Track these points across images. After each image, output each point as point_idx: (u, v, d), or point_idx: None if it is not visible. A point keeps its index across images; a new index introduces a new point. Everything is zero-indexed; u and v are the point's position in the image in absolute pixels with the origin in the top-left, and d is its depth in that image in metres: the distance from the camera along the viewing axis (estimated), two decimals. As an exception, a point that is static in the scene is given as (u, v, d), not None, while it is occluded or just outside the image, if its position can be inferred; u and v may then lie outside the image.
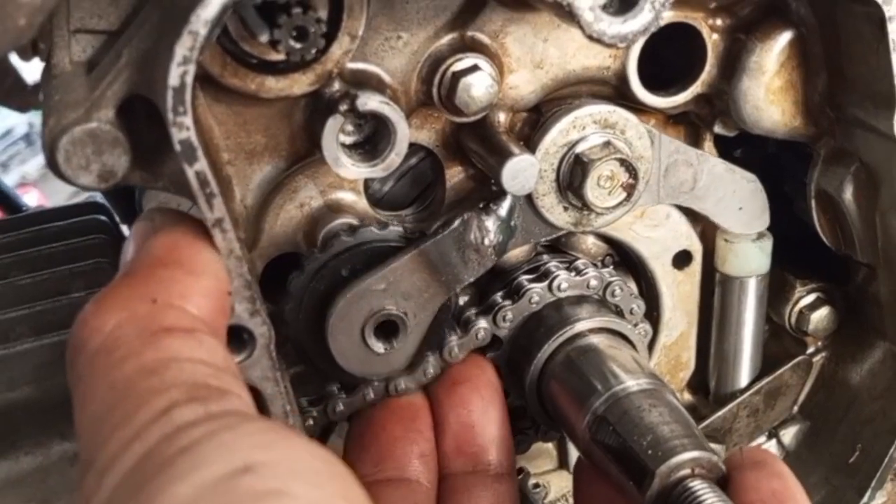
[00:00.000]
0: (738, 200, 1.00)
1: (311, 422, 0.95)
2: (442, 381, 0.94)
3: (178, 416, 0.54)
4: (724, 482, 0.80)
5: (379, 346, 0.88)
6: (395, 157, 0.80)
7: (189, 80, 0.65)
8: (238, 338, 0.74)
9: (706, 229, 1.04)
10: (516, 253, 0.99)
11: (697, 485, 0.78)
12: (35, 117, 3.81)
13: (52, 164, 0.70)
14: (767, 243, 1.02)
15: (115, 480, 0.52)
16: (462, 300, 0.99)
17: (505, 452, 0.93)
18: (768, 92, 0.90)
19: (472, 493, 0.91)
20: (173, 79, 0.65)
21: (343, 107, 0.77)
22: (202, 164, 0.67)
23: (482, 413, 0.92)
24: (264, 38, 0.70)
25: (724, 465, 0.81)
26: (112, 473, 0.52)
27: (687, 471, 0.79)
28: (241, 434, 0.52)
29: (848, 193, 0.94)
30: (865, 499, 1.02)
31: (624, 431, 0.83)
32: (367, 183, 0.94)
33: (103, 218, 1.13)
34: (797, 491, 0.81)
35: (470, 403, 0.93)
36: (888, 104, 0.84)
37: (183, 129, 0.66)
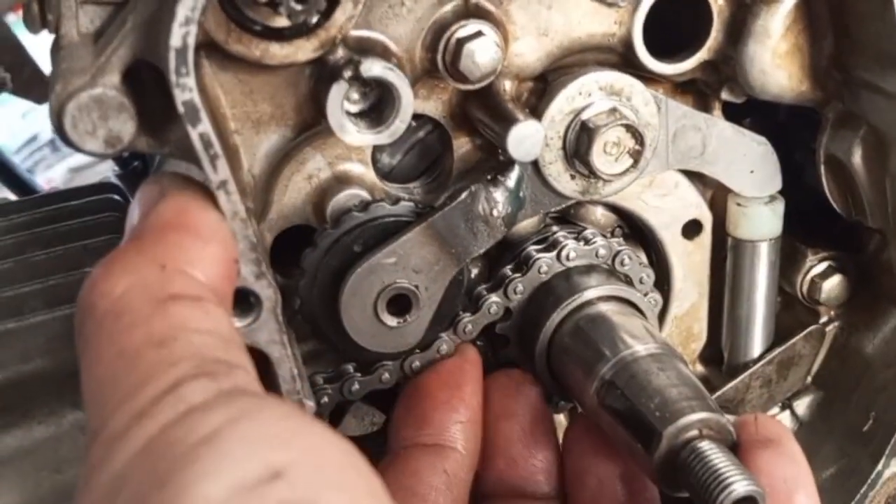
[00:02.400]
0: (750, 163, 0.99)
1: (325, 399, 0.95)
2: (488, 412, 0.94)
3: (189, 394, 0.54)
4: (734, 447, 0.80)
5: (392, 321, 0.89)
6: (400, 123, 0.81)
7: (191, 40, 0.66)
8: (244, 301, 0.75)
9: (716, 198, 1.04)
10: (525, 225, 0.99)
11: (706, 445, 0.78)
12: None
13: (59, 130, 0.71)
14: (779, 206, 1.02)
15: (126, 455, 0.52)
16: (473, 273, 0.99)
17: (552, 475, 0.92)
18: (775, 56, 0.90)
19: None
20: (175, 39, 0.65)
21: (347, 73, 0.78)
22: (205, 126, 0.68)
23: (526, 445, 0.92)
24: (264, -1, 0.71)
25: (733, 430, 0.81)
26: (123, 448, 0.52)
27: (695, 432, 0.79)
28: (262, 424, 0.52)
29: (857, 157, 0.93)
30: (880, 466, 1.01)
31: (632, 395, 0.83)
32: (376, 156, 0.94)
33: (117, 197, 1.14)
34: (807, 478, 0.81)
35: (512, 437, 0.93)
36: (894, 63, 0.83)
37: (186, 91, 0.67)
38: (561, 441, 0.92)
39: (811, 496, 0.80)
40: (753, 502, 0.74)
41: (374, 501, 0.51)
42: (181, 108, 0.67)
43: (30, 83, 1.74)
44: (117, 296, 0.61)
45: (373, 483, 0.52)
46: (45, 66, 1.36)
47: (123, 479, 0.51)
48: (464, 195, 0.88)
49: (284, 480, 0.48)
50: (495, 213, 0.89)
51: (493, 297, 0.95)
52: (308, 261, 0.87)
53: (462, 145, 0.94)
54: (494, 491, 0.91)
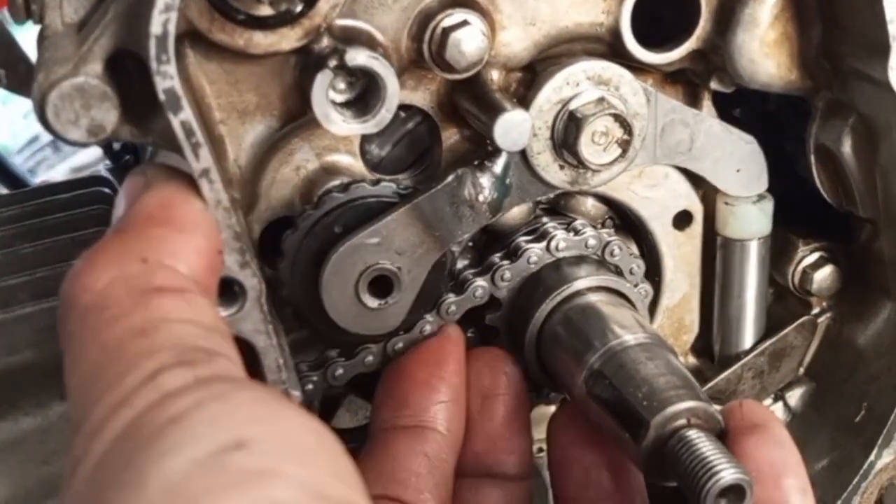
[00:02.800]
0: (736, 162, 0.99)
1: (310, 386, 0.95)
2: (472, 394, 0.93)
3: (166, 382, 0.54)
4: (722, 435, 0.80)
5: (373, 302, 0.88)
6: (386, 112, 0.80)
7: (171, 28, 0.66)
8: (229, 291, 0.75)
9: (708, 192, 1.04)
10: (515, 215, 0.99)
11: (693, 434, 0.77)
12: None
13: (43, 120, 0.71)
14: (768, 205, 1.02)
15: (103, 446, 0.52)
16: (462, 264, 0.99)
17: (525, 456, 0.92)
18: (763, 45, 0.90)
19: (482, 490, 0.91)
20: (156, 27, 0.65)
21: (332, 62, 0.78)
22: (187, 114, 0.68)
23: (507, 428, 0.92)
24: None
25: (721, 418, 0.81)
26: (100, 438, 0.53)
27: (682, 421, 0.79)
28: (232, 405, 0.52)
29: (847, 147, 0.93)
30: (872, 457, 1.01)
31: (620, 384, 0.83)
32: (364, 148, 0.94)
33: (106, 190, 1.14)
34: (795, 461, 0.80)
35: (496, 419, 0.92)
36: (883, 51, 0.83)
37: (167, 78, 0.67)
38: (546, 429, 0.92)
39: (799, 478, 0.79)
40: (741, 490, 0.74)
41: (337, 480, 0.50)
42: (162, 96, 0.67)
43: (25, 79, 1.74)
44: (99, 289, 0.61)
45: (343, 464, 0.52)
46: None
47: (101, 467, 0.51)
48: (450, 178, 0.88)
49: (246, 450, 0.48)
50: (481, 198, 0.89)
51: (479, 282, 0.95)
52: (289, 242, 0.87)
53: (450, 136, 0.93)
54: (468, 471, 0.90)
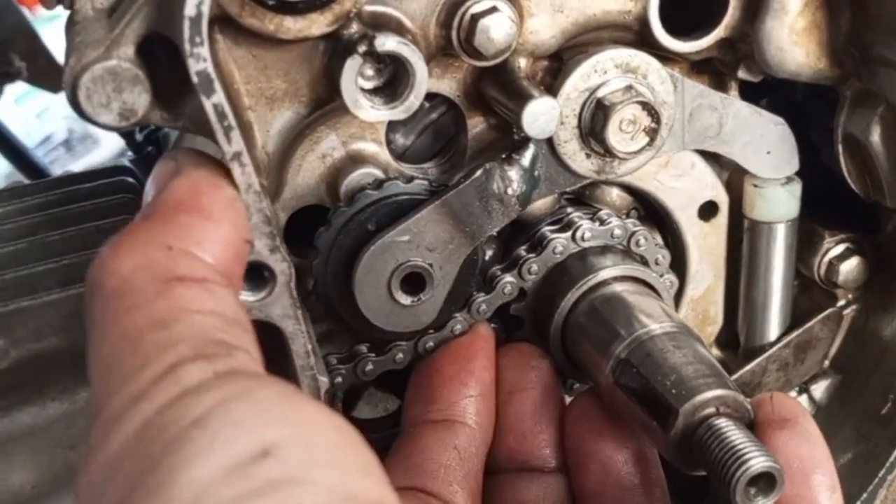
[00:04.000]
0: (766, 144, 0.98)
1: (339, 379, 0.95)
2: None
3: (185, 376, 0.54)
4: (751, 426, 0.80)
5: (405, 299, 0.88)
6: (415, 99, 0.80)
7: (205, 9, 0.66)
8: (258, 275, 0.75)
9: (732, 180, 1.03)
10: (540, 206, 0.99)
11: (722, 422, 0.77)
12: (74, 123, 3.86)
13: (74, 103, 0.71)
14: (796, 187, 1.01)
15: (122, 438, 0.52)
16: (487, 255, 0.99)
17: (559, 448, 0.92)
18: (792, 33, 0.89)
19: (519, 485, 0.91)
20: (189, 8, 0.65)
21: (361, 48, 0.78)
22: (219, 97, 0.68)
23: (536, 422, 0.92)
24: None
25: (750, 408, 0.80)
26: (119, 431, 0.53)
27: (711, 409, 0.78)
28: (255, 405, 0.52)
29: (875, 136, 0.92)
30: (899, 449, 1.00)
31: (647, 373, 0.82)
32: (390, 137, 0.94)
33: (130, 179, 1.14)
34: (824, 456, 0.80)
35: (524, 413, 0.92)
36: (913, 38, 0.83)
37: (200, 61, 0.67)
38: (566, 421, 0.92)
39: (828, 475, 0.79)
40: (771, 479, 0.74)
41: (366, 478, 0.50)
42: (195, 78, 0.67)
43: (44, 72, 1.75)
44: (124, 275, 0.61)
45: (366, 459, 0.52)
46: (60, 55, 1.37)
47: (119, 461, 0.51)
48: (478, 173, 0.87)
49: (273, 458, 0.48)
50: (510, 191, 0.88)
51: (508, 278, 0.95)
52: (322, 240, 0.87)
53: (476, 125, 0.93)
54: (503, 466, 0.90)
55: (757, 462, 0.73)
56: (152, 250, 0.63)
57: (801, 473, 0.78)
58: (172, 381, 0.54)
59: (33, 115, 3.49)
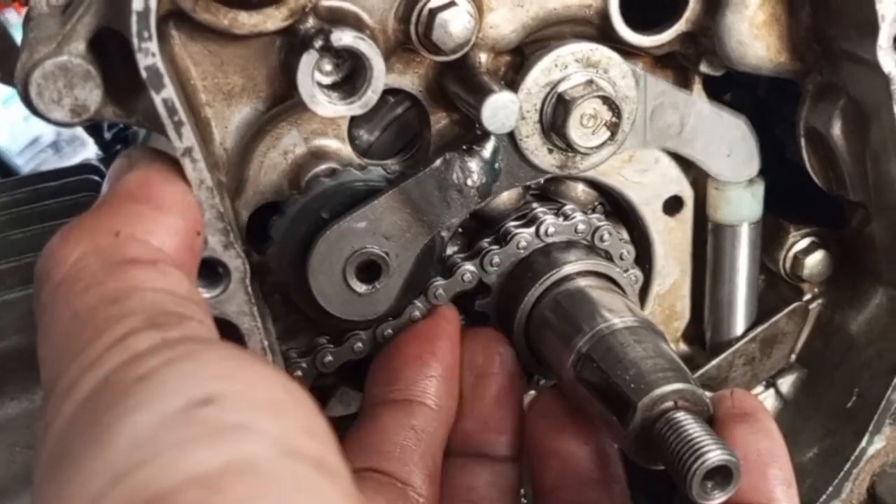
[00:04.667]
0: (727, 146, 0.99)
1: (299, 373, 0.95)
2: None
3: (135, 343, 0.54)
4: (710, 420, 0.80)
5: (361, 287, 0.88)
6: (372, 94, 0.80)
7: (152, 4, 0.65)
8: (213, 272, 0.75)
9: (698, 177, 1.03)
10: (505, 201, 0.99)
11: (680, 416, 0.77)
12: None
13: (26, 99, 0.71)
14: (759, 189, 1.01)
15: (73, 407, 0.52)
16: (451, 250, 0.98)
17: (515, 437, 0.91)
18: (752, 26, 0.89)
19: (472, 469, 0.90)
20: (137, 3, 0.65)
21: (318, 43, 0.77)
22: (169, 92, 0.68)
23: (498, 409, 0.91)
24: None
25: (709, 402, 0.81)
26: (70, 400, 0.52)
27: (670, 403, 0.78)
28: (202, 362, 0.52)
29: (836, 129, 0.92)
30: (864, 443, 1.00)
31: (607, 367, 0.82)
32: (353, 133, 0.93)
33: (96, 178, 1.14)
34: (782, 452, 0.81)
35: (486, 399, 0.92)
36: (871, 31, 0.82)
37: (149, 56, 0.67)
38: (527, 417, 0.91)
39: (785, 469, 0.79)
40: (728, 472, 0.74)
41: (309, 436, 0.49)
42: (144, 73, 0.67)
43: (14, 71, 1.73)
44: (72, 261, 0.61)
45: (313, 419, 0.51)
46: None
47: (71, 425, 0.51)
48: (438, 162, 0.87)
49: (215, 405, 0.48)
50: (469, 182, 0.88)
51: (468, 266, 0.95)
52: (276, 228, 0.86)
53: (439, 120, 0.93)
54: (457, 449, 0.90)
55: (714, 455, 0.73)
56: (101, 237, 0.63)
57: (758, 467, 0.78)
58: (123, 348, 0.54)
59: (21, 117, 3.47)
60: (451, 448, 0.90)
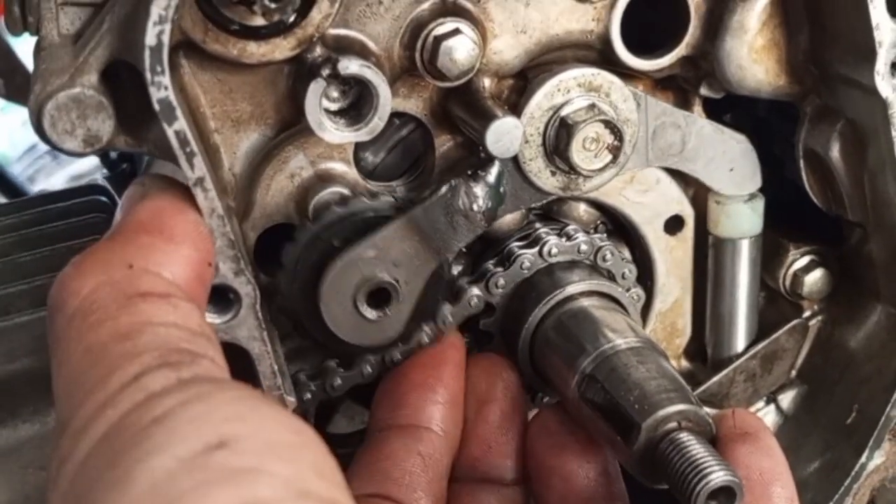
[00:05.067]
0: (729, 161, 1.00)
1: (308, 395, 0.96)
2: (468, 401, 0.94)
3: (150, 383, 0.55)
4: (713, 440, 0.81)
5: (371, 314, 0.89)
6: (379, 120, 0.81)
7: (165, 39, 0.67)
8: (223, 298, 0.76)
9: (698, 194, 1.05)
10: (508, 221, 1.00)
11: (684, 437, 0.78)
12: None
13: (39, 131, 0.72)
14: (759, 204, 1.03)
15: (88, 445, 0.53)
16: (456, 270, 1.00)
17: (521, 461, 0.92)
18: (751, 51, 0.91)
19: (479, 495, 0.91)
20: (150, 38, 0.67)
21: (325, 71, 0.79)
22: (181, 124, 0.69)
23: (502, 433, 0.92)
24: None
25: (712, 422, 0.82)
26: (85, 438, 0.53)
27: (674, 424, 0.80)
28: (214, 404, 0.53)
29: (835, 151, 0.94)
30: (864, 458, 1.01)
31: (611, 388, 0.83)
32: (359, 155, 0.95)
33: (104, 199, 1.15)
34: (784, 470, 0.82)
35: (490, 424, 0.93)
36: (868, 56, 0.84)
37: (161, 89, 0.68)
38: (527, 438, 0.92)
39: (787, 487, 0.80)
40: (731, 493, 0.75)
41: (320, 477, 0.51)
42: (156, 106, 0.68)
43: (22, 88, 1.76)
44: (85, 294, 0.62)
45: (323, 461, 0.52)
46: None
47: (85, 466, 0.52)
48: (444, 189, 0.88)
49: (229, 449, 0.49)
50: (475, 207, 0.89)
51: (475, 290, 0.96)
52: (288, 255, 0.88)
53: (443, 143, 0.94)
54: (464, 475, 0.91)
55: (717, 476, 0.75)
56: (113, 269, 0.64)
57: (760, 486, 0.79)
58: (137, 389, 0.55)
59: (19, 123, 3.48)
60: (457, 474, 0.91)
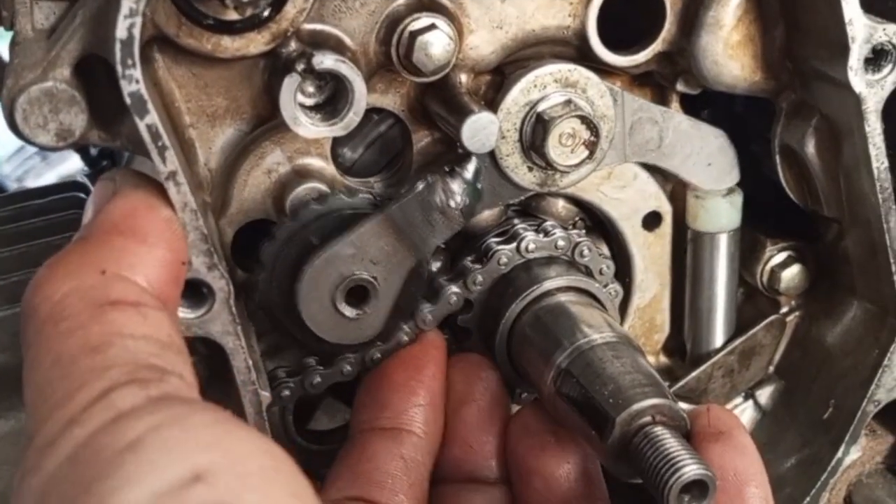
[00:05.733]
0: (707, 156, 1.00)
1: (287, 392, 0.96)
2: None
3: (118, 400, 0.55)
4: (687, 435, 0.81)
5: (350, 311, 0.89)
6: (354, 116, 0.81)
7: (136, 32, 0.67)
8: (197, 292, 0.76)
9: (676, 189, 1.05)
10: (486, 218, 1.00)
11: (658, 431, 0.78)
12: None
13: (11, 124, 0.72)
14: (738, 198, 1.03)
15: (55, 462, 0.53)
16: (435, 266, 1.00)
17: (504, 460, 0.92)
18: (727, 47, 0.91)
19: (463, 495, 0.91)
20: (121, 31, 0.66)
21: (300, 66, 0.79)
22: (153, 117, 0.69)
23: (483, 433, 0.92)
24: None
25: (687, 417, 0.82)
26: (52, 455, 0.53)
27: (647, 418, 0.80)
28: (187, 430, 0.53)
29: (810, 147, 0.94)
30: (840, 453, 1.02)
31: (586, 382, 0.84)
32: (337, 151, 0.95)
33: (82, 195, 1.15)
34: (758, 470, 0.82)
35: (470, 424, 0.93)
36: (842, 52, 0.84)
37: (132, 82, 0.68)
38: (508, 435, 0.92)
39: (762, 487, 0.80)
40: (703, 486, 0.75)
41: (294, 499, 0.51)
42: (128, 100, 0.68)
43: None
44: (57, 300, 0.62)
45: (297, 484, 0.53)
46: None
47: (53, 485, 0.52)
48: (420, 186, 0.88)
49: (205, 483, 0.49)
50: (452, 204, 0.89)
51: (453, 288, 0.96)
52: (266, 253, 0.88)
53: (421, 139, 0.94)
54: (447, 476, 0.91)
55: (690, 469, 0.75)
56: (85, 274, 0.64)
57: (735, 486, 0.80)
58: (105, 406, 0.54)
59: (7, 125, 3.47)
60: (441, 475, 0.91)
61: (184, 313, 0.75)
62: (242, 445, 0.53)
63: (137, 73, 0.67)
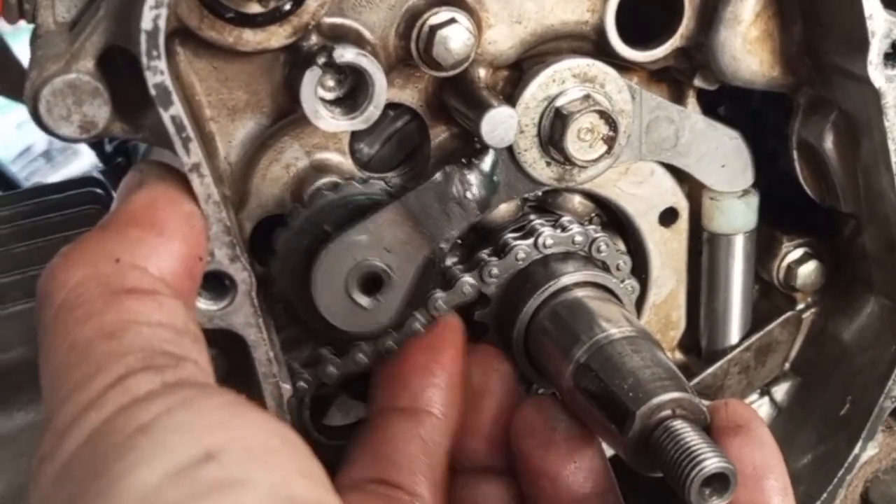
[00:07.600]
0: (721, 157, 1.00)
1: (302, 384, 0.96)
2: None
3: (134, 386, 0.55)
4: (707, 429, 0.81)
5: (364, 300, 0.89)
6: (374, 109, 0.82)
7: (162, 23, 0.67)
8: (220, 284, 0.76)
9: (693, 188, 1.05)
10: (503, 212, 1.00)
11: (678, 424, 0.78)
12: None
13: (35, 116, 0.72)
14: (753, 200, 1.03)
15: (72, 447, 0.53)
16: (450, 262, 1.00)
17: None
18: (745, 42, 0.91)
19: (482, 485, 0.91)
20: (146, 22, 0.67)
21: (321, 60, 0.79)
22: (177, 109, 0.69)
23: (499, 425, 0.92)
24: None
25: (707, 411, 0.82)
26: (69, 439, 0.54)
27: (668, 412, 0.80)
28: (199, 412, 0.53)
29: (828, 142, 0.94)
30: (857, 450, 1.02)
31: (606, 377, 0.84)
32: (354, 146, 0.95)
33: (98, 191, 1.15)
34: (777, 462, 0.81)
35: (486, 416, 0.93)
36: (862, 47, 0.84)
37: (157, 73, 0.68)
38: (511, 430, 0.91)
39: (781, 480, 0.80)
40: (725, 480, 0.75)
41: (307, 481, 0.52)
42: (153, 91, 0.68)
43: (17, 85, 1.75)
44: (72, 286, 0.62)
45: (308, 463, 0.53)
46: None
47: (69, 468, 0.52)
48: (438, 176, 0.89)
49: (216, 461, 0.49)
50: (469, 195, 0.90)
51: (467, 278, 0.96)
52: (280, 241, 0.88)
53: (439, 134, 0.95)
54: (469, 466, 0.91)
55: (711, 463, 0.75)
56: (100, 262, 0.64)
57: (754, 479, 0.79)
58: (121, 391, 0.55)
59: (13, 125, 3.47)
60: (461, 464, 0.90)
61: (206, 305, 0.76)
62: (253, 426, 0.54)
63: (162, 64, 0.67)
